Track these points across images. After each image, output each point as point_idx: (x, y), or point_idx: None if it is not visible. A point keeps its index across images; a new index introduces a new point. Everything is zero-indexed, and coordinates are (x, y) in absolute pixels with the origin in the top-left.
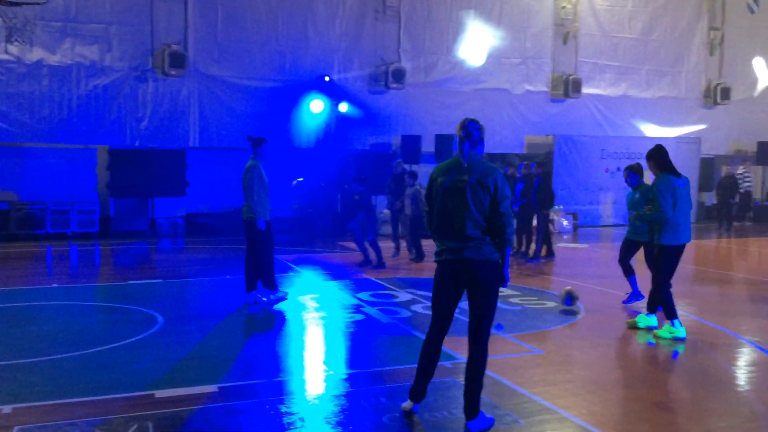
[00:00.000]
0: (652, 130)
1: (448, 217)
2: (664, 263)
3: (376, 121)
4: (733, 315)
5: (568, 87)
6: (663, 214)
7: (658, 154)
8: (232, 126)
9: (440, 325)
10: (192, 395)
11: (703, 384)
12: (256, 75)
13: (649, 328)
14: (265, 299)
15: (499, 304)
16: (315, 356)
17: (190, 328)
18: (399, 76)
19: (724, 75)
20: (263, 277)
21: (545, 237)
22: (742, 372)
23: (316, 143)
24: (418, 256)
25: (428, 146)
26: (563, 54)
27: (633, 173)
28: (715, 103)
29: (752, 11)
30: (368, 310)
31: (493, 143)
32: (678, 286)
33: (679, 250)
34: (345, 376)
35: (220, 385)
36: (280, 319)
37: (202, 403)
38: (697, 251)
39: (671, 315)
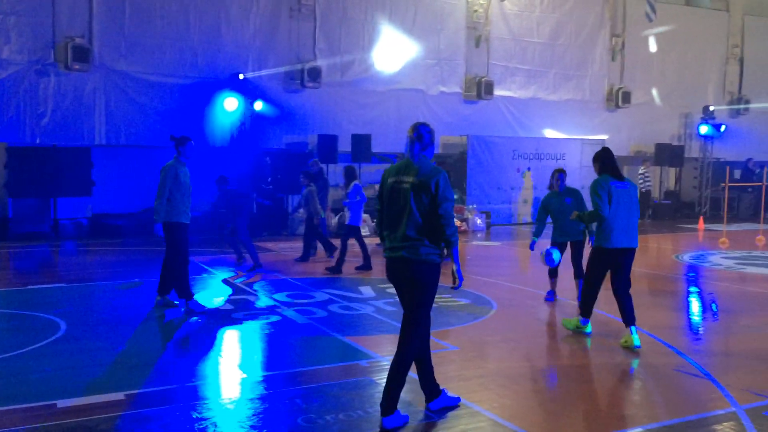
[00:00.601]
0: (560, 132)
1: (392, 216)
2: (591, 264)
3: (292, 120)
4: (635, 308)
5: (481, 89)
6: (598, 213)
7: (603, 157)
8: (141, 123)
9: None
10: (97, 404)
11: (611, 375)
12: (166, 71)
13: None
14: (176, 303)
15: None
16: (229, 359)
17: (96, 334)
18: (315, 75)
19: (624, 80)
20: (174, 283)
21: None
22: (639, 365)
23: (230, 142)
24: (304, 256)
25: (345, 146)
26: (476, 56)
27: (564, 176)
28: (617, 107)
29: (650, 19)
30: (284, 311)
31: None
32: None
33: (611, 253)
34: (260, 379)
35: (127, 392)
36: (193, 322)
37: (108, 412)
38: None
39: (584, 312)
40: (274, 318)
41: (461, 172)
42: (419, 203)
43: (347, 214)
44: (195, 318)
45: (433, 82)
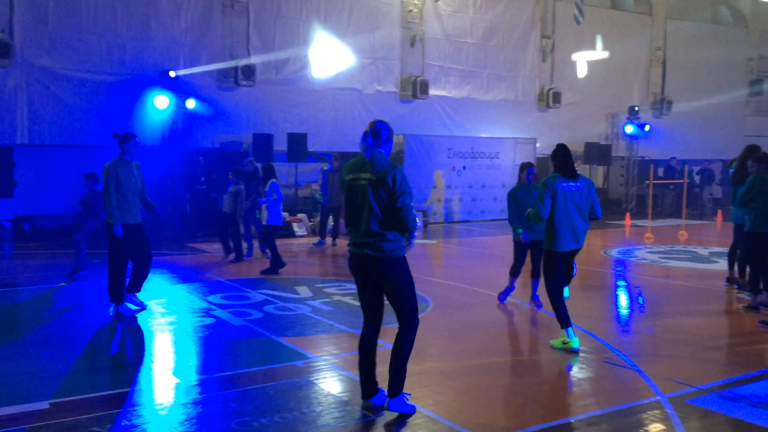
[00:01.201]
0: (494, 131)
1: (353, 213)
2: (544, 267)
3: (226, 119)
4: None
5: (416, 88)
6: (538, 214)
7: (556, 155)
8: (66, 121)
9: (369, 316)
10: (20, 414)
11: (543, 370)
12: (93, 68)
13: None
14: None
15: (351, 301)
16: (162, 364)
17: (18, 341)
18: (249, 73)
19: (555, 80)
20: (110, 286)
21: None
22: (570, 358)
23: (161, 141)
24: (238, 256)
25: (281, 145)
26: (411, 56)
27: (534, 169)
28: (548, 107)
29: (578, 22)
30: (219, 313)
31: (345, 143)
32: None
33: (557, 256)
34: (194, 383)
35: (52, 401)
36: (124, 326)
37: (31, 421)
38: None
39: (562, 323)
40: (208, 320)
41: None
42: (378, 198)
43: (265, 214)
44: (124, 323)
45: (368, 81)
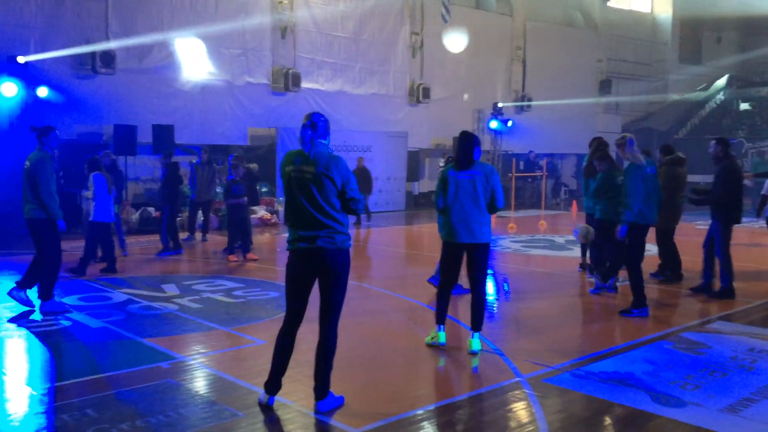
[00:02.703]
0: (366, 125)
1: (298, 207)
2: (440, 260)
3: (84, 109)
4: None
5: (288, 81)
6: (436, 206)
7: (456, 144)
8: None
9: (294, 314)
10: None
11: (410, 358)
12: None
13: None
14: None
15: (221, 298)
16: (13, 373)
17: None
18: (108, 60)
19: (424, 76)
20: (41, 284)
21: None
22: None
23: (9, 131)
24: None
25: (145, 137)
26: (282, 48)
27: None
28: (418, 101)
29: (445, 21)
30: (75, 315)
31: (214, 135)
32: (381, 268)
33: (447, 247)
34: (47, 391)
35: None
36: None
37: None
38: (398, 235)
39: (437, 319)
40: (64, 323)
41: (271, 164)
42: (324, 192)
43: (91, 210)
44: None
45: (239, 73)
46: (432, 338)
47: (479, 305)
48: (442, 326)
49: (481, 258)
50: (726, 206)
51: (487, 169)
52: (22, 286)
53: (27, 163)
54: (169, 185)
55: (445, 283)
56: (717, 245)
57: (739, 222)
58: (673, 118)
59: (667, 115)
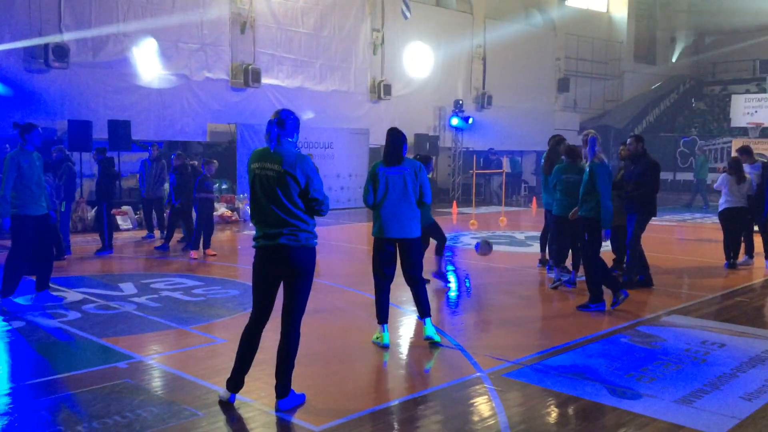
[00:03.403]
0: (328, 122)
1: (262, 204)
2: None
3: (36, 103)
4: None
5: (248, 76)
6: (365, 202)
7: (385, 141)
8: None
9: (259, 312)
10: None
11: (371, 355)
12: None
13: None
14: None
15: (180, 297)
16: None
17: None
18: (62, 53)
19: (385, 73)
20: (3, 278)
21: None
22: (399, 341)
23: None
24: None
25: (101, 132)
26: (242, 43)
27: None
28: (380, 98)
29: (405, 17)
30: (29, 315)
31: (173, 131)
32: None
33: (378, 244)
34: (1, 393)
35: None
36: None
37: None
38: (359, 231)
39: (378, 318)
40: (15, 323)
41: (231, 160)
42: (287, 191)
43: None
44: None
45: (197, 68)
46: (377, 338)
47: (421, 296)
48: (385, 325)
49: (413, 253)
50: (650, 200)
51: (416, 165)
52: (41, 288)
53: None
54: (105, 181)
55: (381, 282)
56: (629, 237)
57: (655, 215)
58: (630, 115)
59: (624, 113)
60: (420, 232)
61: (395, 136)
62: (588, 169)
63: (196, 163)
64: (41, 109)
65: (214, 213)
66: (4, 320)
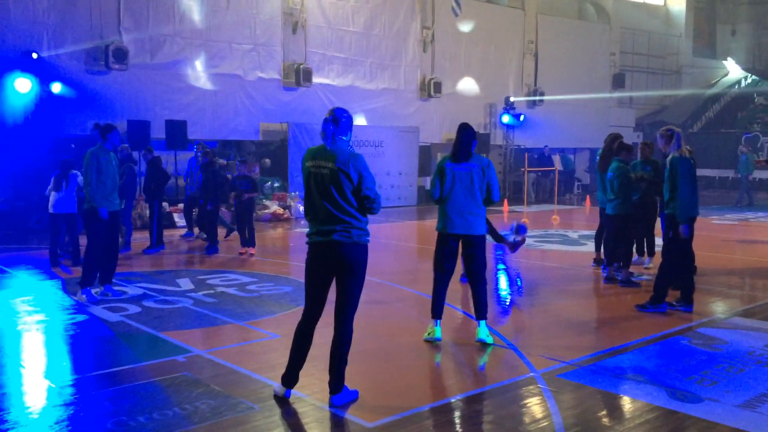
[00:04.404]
0: (378, 120)
1: (315, 201)
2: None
3: (97, 104)
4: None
5: (300, 76)
6: (431, 197)
7: (455, 137)
8: None
9: (313, 309)
10: None
11: (424, 353)
12: None
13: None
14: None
15: (235, 292)
16: (31, 365)
17: None
18: (121, 55)
19: (435, 70)
20: (84, 271)
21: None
22: (451, 340)
23: (24, 127)
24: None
25: (158, 132)
26: (293, 43)
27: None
28: (429, 96)
29: (456, 14)
30: (92, 309)
31: (227, 130)
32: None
33: (441, 238)
34: (66, 384)
35: None
36: None
37: None
38: (409, 229)
39: (432, 313)
40: (81, 317)
41: (283, 159)
42: (341, 188)
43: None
44: None
45: (250, 68)
46: (429, 333)
47: (480, 296)
48: (438, 320)
49: (476, 250)
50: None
51: (484, 162)
52: (105, 281)
53: None
54: (155, 180)
55: (440, 276)
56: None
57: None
58: (688, 111)
59: (682, 109)
60: (485, 229)
61: (466, 132)
62: (669, 164)
63: (225, 162)
64: (101, 109)
65: (266, 211)
66: (68, 314)
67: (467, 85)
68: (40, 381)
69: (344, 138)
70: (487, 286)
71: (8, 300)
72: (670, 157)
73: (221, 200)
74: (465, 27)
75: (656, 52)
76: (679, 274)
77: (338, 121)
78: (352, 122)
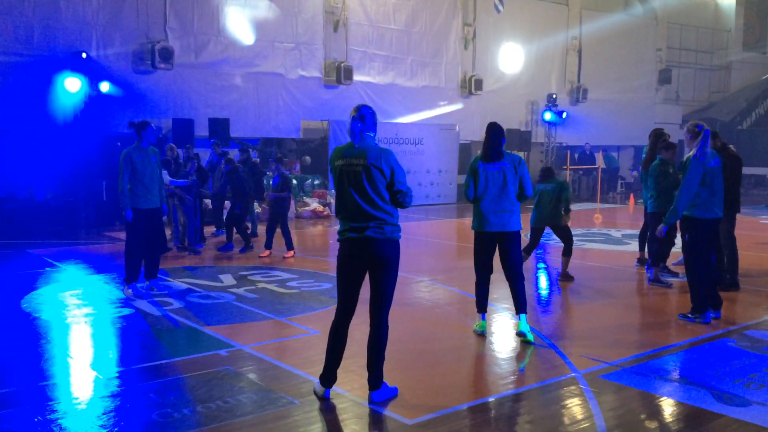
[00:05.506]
0: (418, 117)
1: (348, 198)
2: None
3: (144, 103)
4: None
5: (341, 74)
6: (466, 196)
7: (484, 136)
8: None
9: (346, 306)
10: None
11: (464, 350)
12: None
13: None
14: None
15: (276, 288)
16: (79, 357)
17: None
18: (167, 55)
19: (476, 68)
20: (125, 267)
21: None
22: (491, 338)
23: (73, 125)
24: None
25: (202, 130)
26: (334, 41)
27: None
28: (470, 93)
29: (498, 11)
30: (138, 303)
31: (268, 128)
32: (431, 260)
33: (478, 238)
34: (112, 376)
35: None
36: (38, 319)
37: None
38: (448, 227)
39: (478, 308)
40: (127, 311)
41: (323, 156)
42: (373, 184)
43: None
44: (38, 313)
45: (292, 66)
46: (477, 326)
47: (519, 291)
48: (483, 314)
49: (512, 247)
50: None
51: (515, 158)
52: (149, 277)
53: None
54: (255, 181)
55: (481, 274)
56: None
57: (739, 211)
58: (738, 108)
59: (731, 105)
60: (520, 225)
61: (495, 131)
62: (683, 162)
63: (257, 160)
64: (148, 108)
65: (306, 208)
66: (115, 308)
67: (508, 82)
68: (87, 372)
69: (371, 134)
70: (527, 285)
71: (57, 293)
72: (686, 156)
73: (258, 199)
74: (507, 23)
75: (704, 47)
76: (702, 279)
77: (365, 118)
78: (376, 119)
